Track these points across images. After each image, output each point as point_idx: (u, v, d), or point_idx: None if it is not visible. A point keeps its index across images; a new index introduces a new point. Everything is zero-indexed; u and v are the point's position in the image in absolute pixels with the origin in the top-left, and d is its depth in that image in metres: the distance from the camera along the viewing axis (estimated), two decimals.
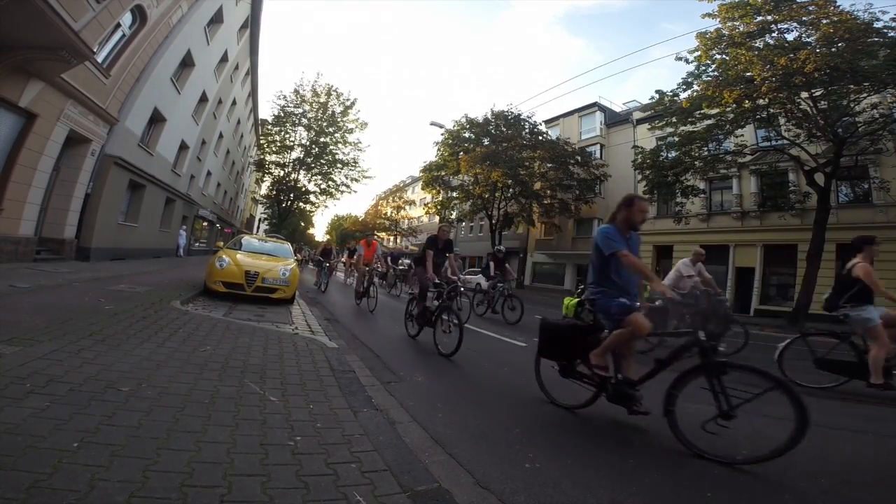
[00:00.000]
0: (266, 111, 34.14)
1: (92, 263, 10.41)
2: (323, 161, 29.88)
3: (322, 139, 29.32)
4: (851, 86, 11.61)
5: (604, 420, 3.19)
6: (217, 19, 16.63)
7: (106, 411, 2.15)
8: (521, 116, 26.56)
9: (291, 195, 30.59)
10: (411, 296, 6.46)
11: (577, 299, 6.89)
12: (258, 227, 47.67)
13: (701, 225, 20.36)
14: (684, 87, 15.03)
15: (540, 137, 26.28)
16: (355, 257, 12.20)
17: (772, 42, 13.00)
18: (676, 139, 15.88)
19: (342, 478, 1.86)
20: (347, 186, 31.07)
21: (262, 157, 31.55)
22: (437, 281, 5.55)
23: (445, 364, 4.72)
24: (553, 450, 2.55)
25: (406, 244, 46.45)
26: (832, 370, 4.63)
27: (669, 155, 16.70)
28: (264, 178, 32.85)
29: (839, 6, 12.09)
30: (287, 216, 32.68)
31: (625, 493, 2.09)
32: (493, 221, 27.08)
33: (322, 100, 29.14)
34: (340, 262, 16.14)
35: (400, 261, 16.68)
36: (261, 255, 8.48)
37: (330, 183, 30.88)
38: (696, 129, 15.12)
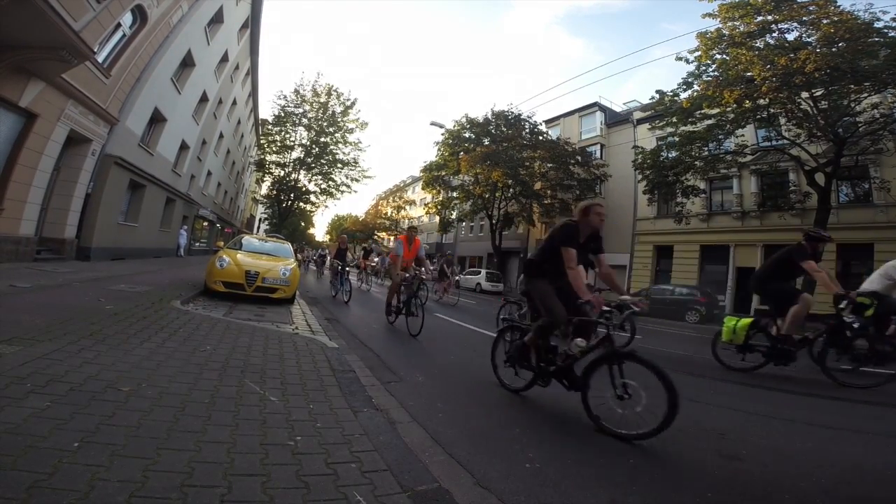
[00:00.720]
0: (266, 111, 34.21)
1: (92, 263, 10.42)
2: (323, 161, 29.90)
3: (322, 139, 29.34)
4: (852, 86, 11.60)
5: None
6: (217, 19, 16.64)
7: (106, 411, 2.15)
8: (522, 116, 26.55)
9: (292, 195, 30.61)
10: (508, 324, 4.21)
11: (748, 320, 5.28)
12: (258, 227, 47.69)
13: (701, 225, 20.35)
14: (685, 86, 15.04)
15: (540, 137, 26.27)
16: (376, 259, 10.71)
17: (772, 42, 13.00)
18: (677, 139, 15.90)
19: (342, 478, 1.86)
20: (348, 186, 31.14)
21: (262, 156, 31.59)
22: (605, 307, 2.98)
23: (446, 364, 4.71)
24: (553, 450, 2.55)
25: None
26: None
27: (670, 155, 16.71)
28: (265, 178, 32.86)
29: (839, 6, 12.09)
30: (287, 216, 32.70)
31: (625, 493, 2.08)
32: (494, 221, 27.07)
33: (322, 100, 29.16)
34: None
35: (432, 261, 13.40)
36: (261, 255, 8.49)
37: (330, 183, 30.92)
38: (696, 129, 15.13)
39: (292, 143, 29.74)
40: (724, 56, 13.62)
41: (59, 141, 9.19)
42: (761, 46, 12.99)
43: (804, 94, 12.69)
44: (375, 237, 53.28)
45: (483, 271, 25.66)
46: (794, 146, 14.12)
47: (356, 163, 30.81)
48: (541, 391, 3.52)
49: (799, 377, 4.91)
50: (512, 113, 26.57)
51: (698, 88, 14.22)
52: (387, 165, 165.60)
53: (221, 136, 23.78)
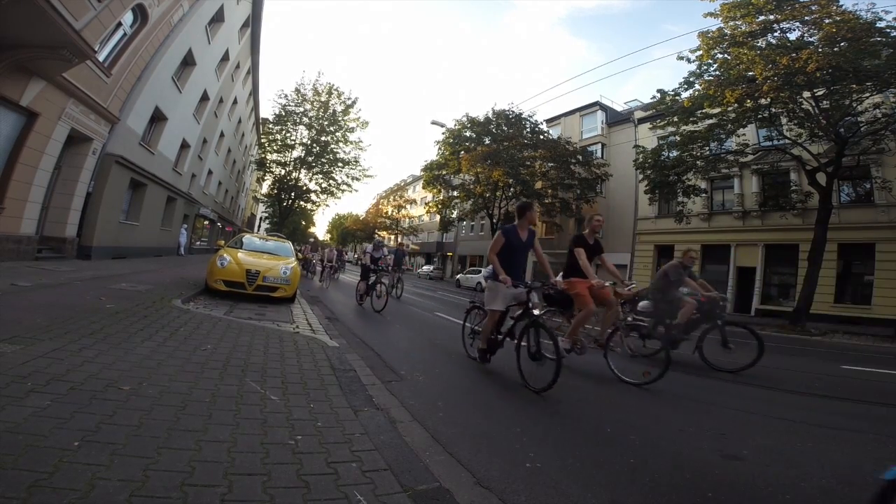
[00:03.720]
0: (267, 110, 34.21)
1: (93, 262, 10.42)
2: (324, 160, 29.87)
3: (323, 138, 29.31)
4: (854, 85, 11.58)
5: (604, 420, 3.18)
6: (218, 18, 16.63)
7: (107, 410, 2.15)
8: (523, 116, 26.54)
9: (292, 194, 30.60)
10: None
11: None
12: (259, 226, 47.70)
13: (702, 224, 20.34)
14: (686, 86, 15.02)
15: (541, 136, 26.27)
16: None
17: (774, 41, 12.98)
18: (678, 139, 15.87)
19: (343, 477, 1.86)
20: (348, 185, 31.11)
21: (263, 155, 31.58)
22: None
23: (446, 364, 4.72)
24: (553, 449, 2.55)
25: (407, 243, 46.25)
26: None
27: (671, 154, 16.68)
28: (265, 177, 32.87)
29: (841, 6, 12.07)
30: (288, 215, 32.70)
31: (625, 493, 2.08)
32: (494, 220, 27.09)
33: (323, 99, 29.13)
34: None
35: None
36: (262, 254, 8.49)
37: (331, 182, 30.90)
38: (697, 129, 15.10)
39: (293, 142, 29.72)
40: (726, 55, 13.59)
41: (59, 140, 9.19)
42: (763, 46, 12.97)
43: (806, 94, 12.66)
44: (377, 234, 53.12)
45: (484, 270, 25.65)
46: (796, 146, 14.09)
47: (357, 162, 30.83)
48: (546, 393, 3.55)
49: (800, 378, 4.89)
50: (513, 112, 26.56)
51: (699, 88, 14.19)
52: (387, 164, 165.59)
53: (222, 134, 23.78)
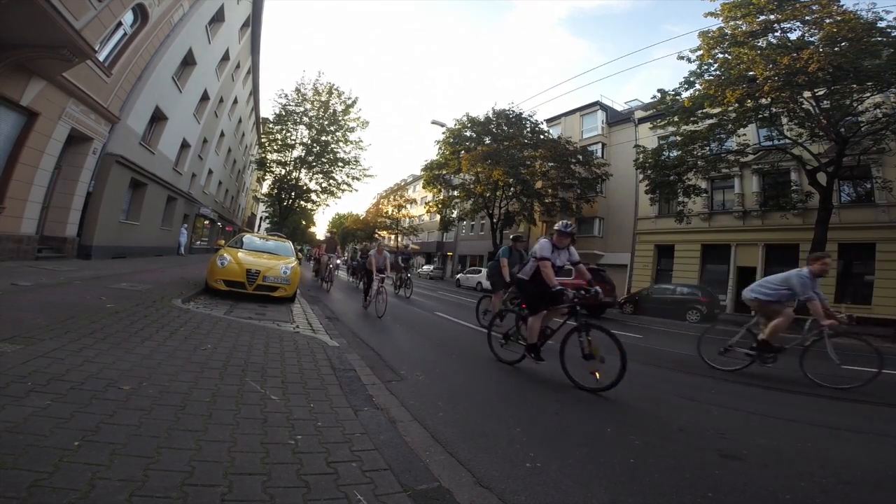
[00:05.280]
0: (267, 109, 34.18)
1: (93, 262, 10.42)
2: (324, 160, 29.86)
3: (323, 138, 29.29)
4: (854, 85, 11.58)
5: (605, 420, 3.18)
6: (218, 18, 16.63)
7: (107, 410, 2.15)
8: (523, 115, 26.50)
9: (293, 194, 30.60)
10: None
11: None
12: (259, 226, 47.71)
13: (703, 224, 20.33)
14: (686, 86, 15.00)
15: (541, 136, 26.21)
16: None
17: (774, 41, 12.97)
18: (678, 138, 15.86)
19: (343, 477, 1.86)
20: (349, 185, 31.08)
21: (263, 155, 31.58)
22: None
23: (447, 363, 4.72)
24: (553, 449, 2.55)
25: (407, 243, 46.17)
26: None
27: (671, 154, 16.68)
28: (265, 177, 32.86)
29: (842, 5, 12.06)
30: (288, 214, 32.70)
31: (625, 492, 2.08)
32: (494, 220, 27.05)
33: (323, 98, 29.10)
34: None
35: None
36: (262, 254, 8.49)
37: (331, 181, 30.90)
38: (698, 129, 15.10)
39: (293, 142, 29.71)
40: (726, 55, 13.58)
41: (60, 139, 9.19)
42: (763, 46, 12.96)
43: (806, 94, 12.66)
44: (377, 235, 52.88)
45: (484, 270, 25.67)
46: (796, 146, 14.09)
47: (357, 161, 30.81)
48: (546, 393, 3.54)
49: (800, 378, 4.90)
50: (513, 112, 26.51)
51: (700, 87, 14.19)
52: (388, 164, 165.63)
53: (222, 134, 23.78)
